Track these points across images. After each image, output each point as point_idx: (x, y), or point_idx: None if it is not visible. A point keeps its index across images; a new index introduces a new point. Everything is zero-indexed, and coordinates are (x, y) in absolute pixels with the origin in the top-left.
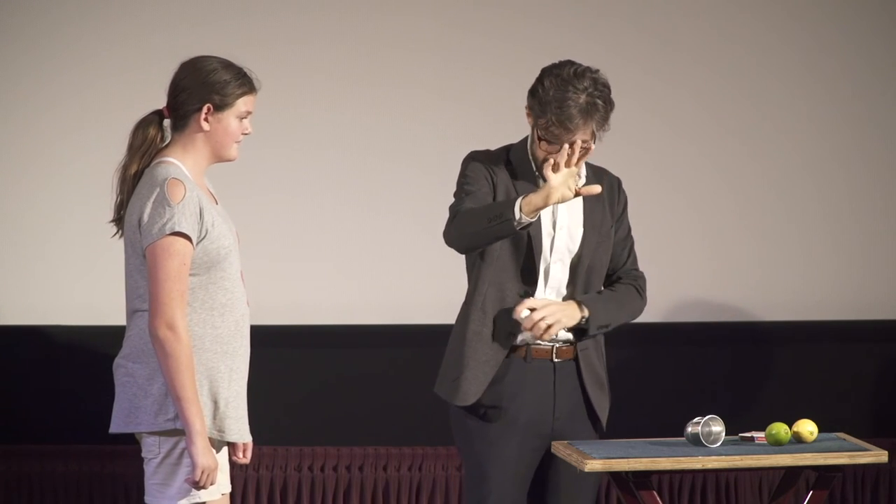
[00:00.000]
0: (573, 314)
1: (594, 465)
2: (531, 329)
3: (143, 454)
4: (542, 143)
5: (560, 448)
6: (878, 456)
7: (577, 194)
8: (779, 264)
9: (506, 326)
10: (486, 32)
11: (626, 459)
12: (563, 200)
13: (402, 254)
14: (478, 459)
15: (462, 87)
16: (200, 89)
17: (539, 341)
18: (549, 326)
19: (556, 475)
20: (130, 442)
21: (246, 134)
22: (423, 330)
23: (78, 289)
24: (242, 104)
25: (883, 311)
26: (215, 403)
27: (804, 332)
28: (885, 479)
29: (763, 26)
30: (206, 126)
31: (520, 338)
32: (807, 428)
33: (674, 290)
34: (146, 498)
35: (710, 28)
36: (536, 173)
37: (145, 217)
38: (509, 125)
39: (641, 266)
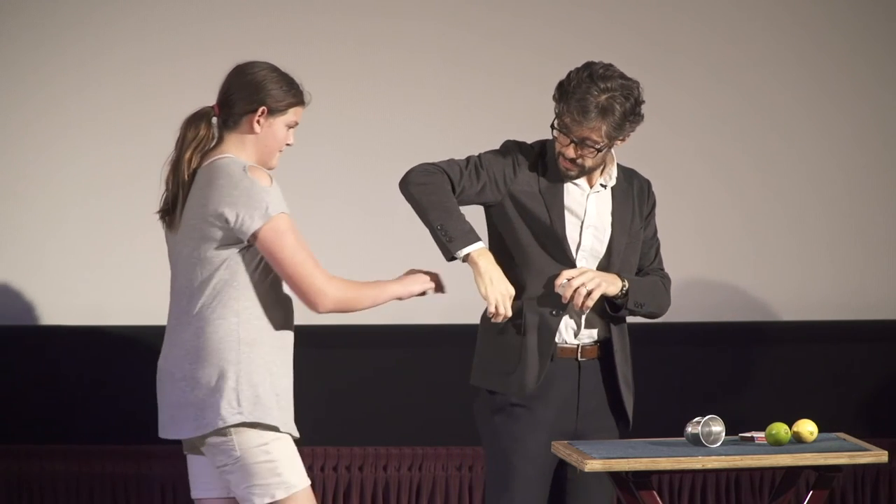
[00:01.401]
0: (614, 281)
1: (594, 465)
2: (571, 297)
3: (217, 465)
4: (556, 133)
5: (560, 448)
6: (878, 456)
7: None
8: (778, 264)
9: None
10: (486, 33)
11: (626, 459)
12: (489, 291)
13: (403, 254)
14: (505, 455)
15: (462, 87)
16: (257, 92)
17: (566, 342)
18: (588, 294)
19: (576, 473)
20: (131, 442)
21: (288, 145)
22: (424, 330)
23: (78, 289)
24: (292, 114)
25: (882, 311)
26: (277, 396)
27: (804, 332)
28: (885, 479)
29: (761, 26)
30: (257, 128)
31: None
32: (807, 428)
33: (674, 290)
34: None
35: (708, 28)
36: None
37: (240, 208)
38: (510, 125)
39: None
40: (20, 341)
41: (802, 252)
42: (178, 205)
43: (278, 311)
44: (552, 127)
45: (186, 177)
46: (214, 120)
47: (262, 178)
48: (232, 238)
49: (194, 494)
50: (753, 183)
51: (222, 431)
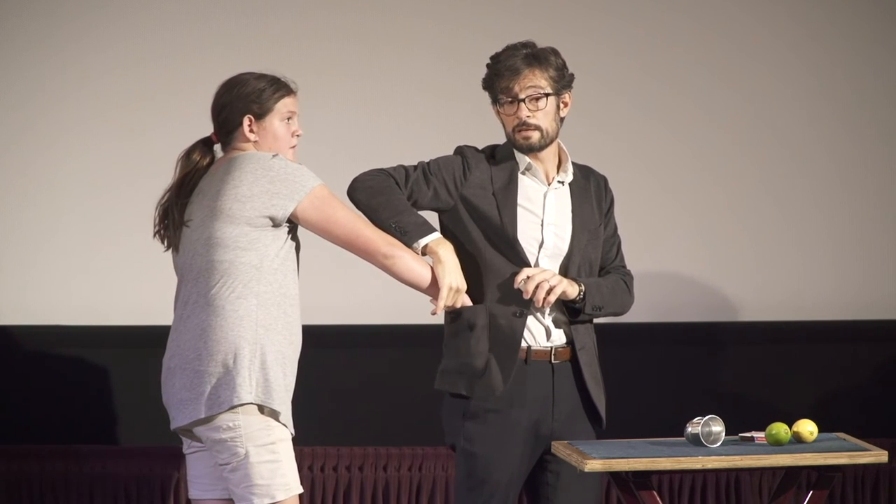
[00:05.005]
0: (572, 283)
1: (594, 465)
2: (532, 294)
3: (220, 462)
4: (499, 107)
5: (560, 448)
6: (878, 456)
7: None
8: (778, 264)
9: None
10: (486, 32)
11: (626, 459)
12: (446, 278)
13: None
14: (480, 463)
15: (462, 87)
16: (239, 103)
17: (539, 345)
18: (549, 292)
19: (557, 477)
20: (130, 442)
21: (298, 136)
22: (423, 330)
23: (77, 289)
24: (283, 106)
25: (883, 311)
26: (286, 391)
27: (804, 332)
28: (885, 479)
29: (759, 24)
30: (252, 136)
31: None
32: (807, 428)
33: (674, 290)
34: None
35: (707, 27)
36: (522, 172)
37: (277, 187)
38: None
39: (643, 265)
40: (20, 341)
41: (802, 252)
42: (174, 215)
43: (292, 307)
44: (493, 104)
45: (180, 187)
46: (217, 147)
47: (290, 160)
48: (262, 220)
49: (192, 495)
50: (753, 183)
51: (231, 417)
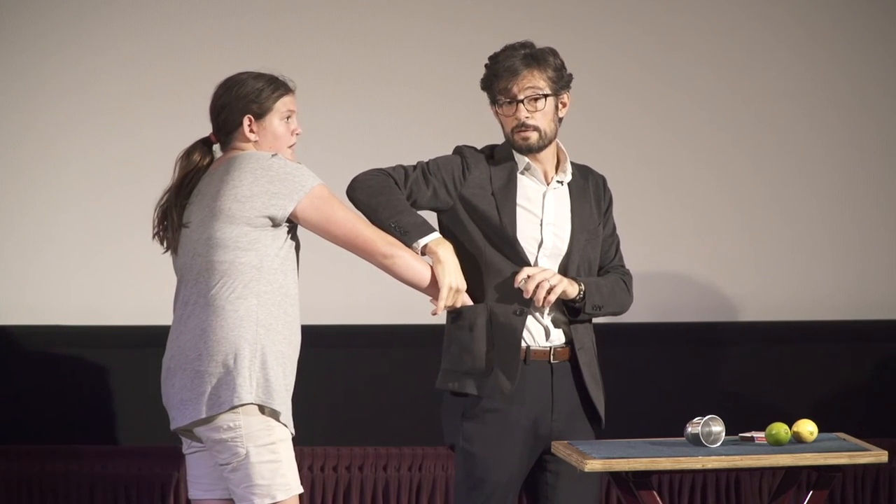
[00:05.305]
0: (572, 282)
1: (594, 465)
2: (533, 294)
3: (220, 462)
4: (497, 108)
5: (560, 448)
6: (878, 456)
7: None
8: (778, 264)
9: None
10: (486, 32)
11: (626, 459)
12: (446, 278)
13: None
14: (479, 462)
15: (462, 87)
16: (238, 103)
17: (538, 345)
18: (549, 291)
19: (556, 477)
20: (130, 442)
21: (297, 134)
22: (423, 330)
23: (77, 289)
24: (282, 105)
25: (882, 311)
26: (286, 391)
27: (804, 332)
28: (885, 479)
29: (759, 24)
30: (252, 136)
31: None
32: (807, 428)
33: (673, 290)
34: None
35: (707, 27)
36: (520, 172)
37: (277, 187)
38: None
39: (643, 265)
40: (20, 341)
41: (802, 252)
42: (173, 217)
43: (292, 307)
44: (492, 105)
45: (179, 188)
46: (216, 147)
47: (290, 160)
48: (262, 220)
49: (193, 495)
50: (753, 183)
51: (232, 417)
